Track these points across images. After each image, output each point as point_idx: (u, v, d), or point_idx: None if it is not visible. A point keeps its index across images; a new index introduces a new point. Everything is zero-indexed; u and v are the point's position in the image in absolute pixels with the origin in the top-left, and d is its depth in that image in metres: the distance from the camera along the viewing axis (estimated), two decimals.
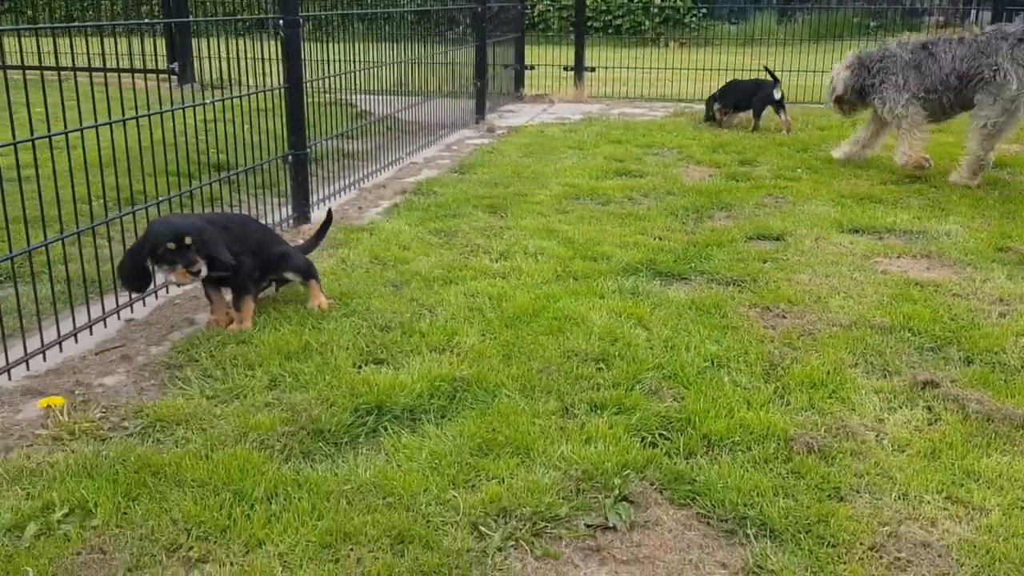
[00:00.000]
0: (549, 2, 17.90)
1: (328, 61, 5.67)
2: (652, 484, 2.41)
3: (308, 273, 3.57)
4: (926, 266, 4.16)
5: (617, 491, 2.35)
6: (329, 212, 4.00)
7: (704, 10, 17.83)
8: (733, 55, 10.79)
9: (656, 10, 17.94)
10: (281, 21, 4.55)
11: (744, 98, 7.75)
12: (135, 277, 3.12)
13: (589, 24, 16.89)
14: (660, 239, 4.55)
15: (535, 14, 17.55)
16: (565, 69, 10.52)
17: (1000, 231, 4.60)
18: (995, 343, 3.24)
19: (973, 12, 17.85)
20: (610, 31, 17.28)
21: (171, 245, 3.05)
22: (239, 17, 5.16)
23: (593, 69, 10.57)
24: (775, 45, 12.04)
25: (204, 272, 3.13)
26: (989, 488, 2.37)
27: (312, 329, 3.29)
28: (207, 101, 4.07)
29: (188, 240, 3.07)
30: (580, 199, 5.40)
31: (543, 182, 5.75)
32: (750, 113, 7.76)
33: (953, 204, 5.17)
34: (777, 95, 7.53)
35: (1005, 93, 5.38)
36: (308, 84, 4.88)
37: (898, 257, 4.27)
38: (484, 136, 7.64)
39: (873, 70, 6.02)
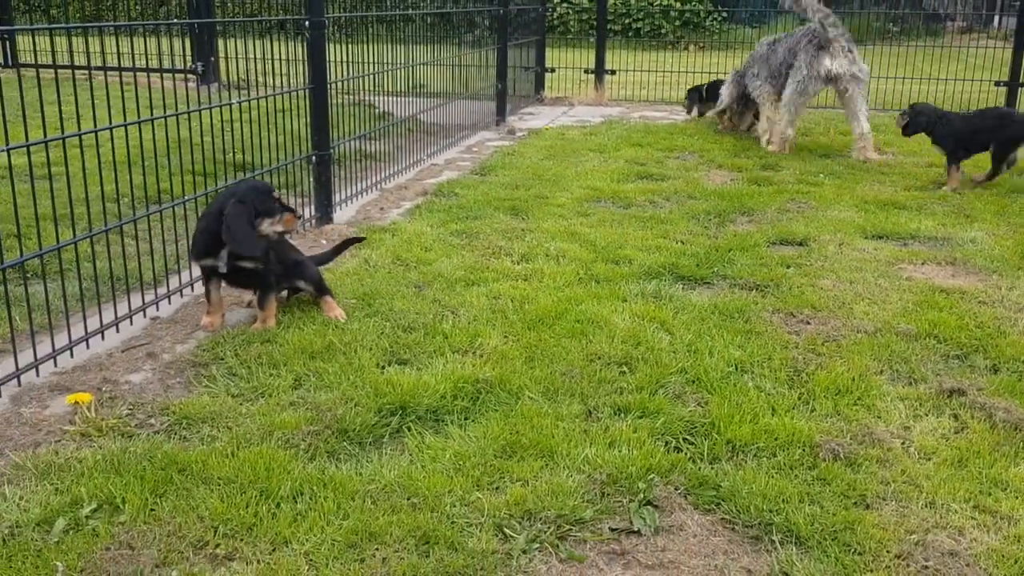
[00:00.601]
0: (568, 5, 17.90)
1: (350, 62, 5.69)
2: (677, 489, 2.40)
3: (321, 287, 3.52)
4: (951, 273, 4.13)
5: (642, 495, 2.34)
6: (351, 240, 4.00)
7: (724, 14, 17.79)
8: None
9: (676, 13, 17.91)
10: (307, 22, 4.57)
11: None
12: (252, 238, 3.18)
13: (608, 27, 16.89)
14: (682, 243, 4.54)
15: (555, 16, 17.56)
16: (585, 72, 10.51)
17: None
18: (1022, 351, 3.21)
19: (996, 18, 17.72)
20: (629, 34, 17.27)
21: (276, 194, 3.28)
22: (266, 18, 5.19)
23: (613, 72, 10.57)
24: None
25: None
26: (1018, 498, 2.35)
27: (336, 329, 3.31)
28: (232, 102, 4.10)
29: (275, 194, 3.31)
30: (601, 202, 5.39)
31: (564, 185, 5.75)
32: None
33: (978, 211, 5.13)
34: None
35: (798, 76, 6.73)
36: (332, 85, 4.90)
37: (923, 264, 4.24)
38: (505, 138, 7.65)
39: (745, 73, 7.48)
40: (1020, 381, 3.00)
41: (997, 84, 9.12)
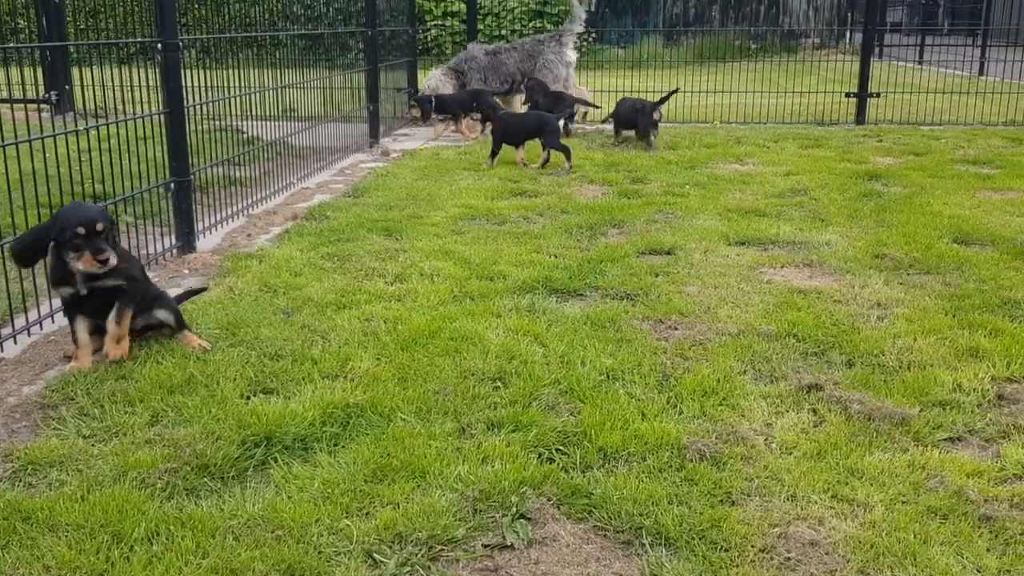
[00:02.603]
0: (442, 27, 17.98)
1: (217, 87, 5.53)
2: (549, 500, 2.40)
3: (180, 321, 3.37)
4: (808, 275, 4.31)
5: (514, 509, 2.33)
6: (191, 292, 3.82)
7: (594, 35, 18.24)
8: (622, 78, 11.06)
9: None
10: (160, 44, 4.40)
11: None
12: (30, 251, 3.03)
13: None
14: (555, 257, 4.59)
15: (428, 39, 17.60)
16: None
17: (876, 239, 4.82)
18: (874, 346, 3.37)
19: (848, 34, 18.83)
20: None
21: (80, 231, 2.98)
22: (115, 41, 4.98)
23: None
24: (663, 68, 12.39)
25: (113, 262, 3.00)
26: (872, 485, 2.45)
27: (197, 361, 3.17)
28: (79, 128, 3.90)
29: (100, 227, 3.01)
30: (476, 220, 5.40)
31: (439, 204, 5.74)
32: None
33: (832, 215, 5.39)
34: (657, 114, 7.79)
35: (559, 73, 8.80)
36: (191, 109, 4.74)
37: (782, 267, 4.42)
38: (378, 160, 7.58)
39: (464, 74, 8.93)
40: (873, 374, 3.14)
41: (847, 95, 9.66)
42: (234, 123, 5.85)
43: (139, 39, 5.07)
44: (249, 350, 3.29)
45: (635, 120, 7.83)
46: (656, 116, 7.77)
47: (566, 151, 6.93)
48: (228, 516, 2.26)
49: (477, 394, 2.97)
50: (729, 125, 9.40)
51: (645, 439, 2.67)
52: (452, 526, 2.24)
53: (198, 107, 5.12)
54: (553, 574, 2.13)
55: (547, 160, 7.00)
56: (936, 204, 5.57)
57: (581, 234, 5.05)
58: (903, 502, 2.37)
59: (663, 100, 7.82)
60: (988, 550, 2.18)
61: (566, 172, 6.79)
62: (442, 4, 17.85)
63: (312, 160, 6.93)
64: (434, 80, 9.24)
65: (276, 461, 2.55)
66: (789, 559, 2.14)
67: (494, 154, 7.09)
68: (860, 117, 9.47)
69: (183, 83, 4.55)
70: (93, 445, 2.63)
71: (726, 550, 2.17)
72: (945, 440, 2.71)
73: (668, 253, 4.67)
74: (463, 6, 10.69)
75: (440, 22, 17.71)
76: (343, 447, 2.63)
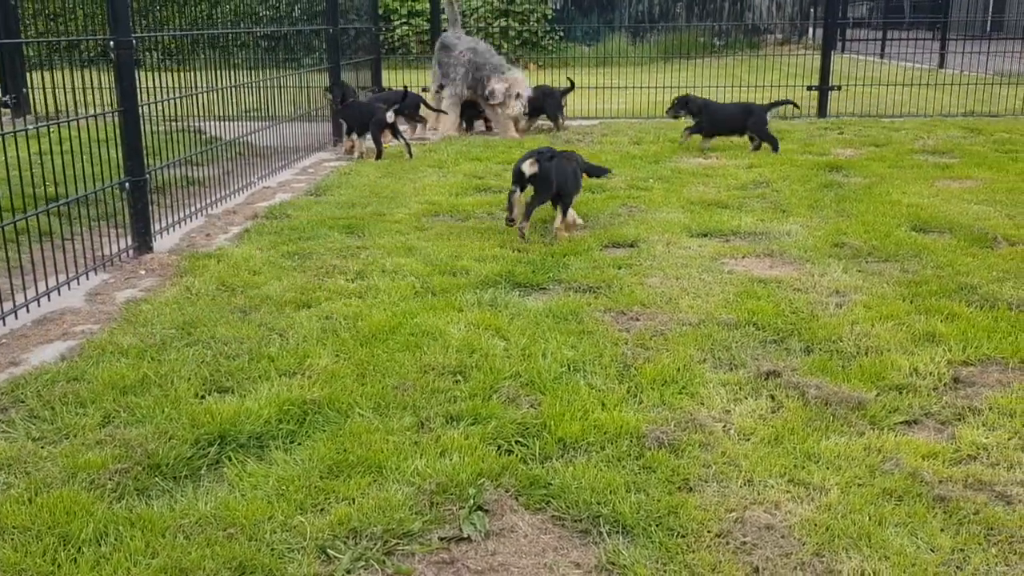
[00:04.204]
0: (409, 27, 17.92)
1: (181, 89, 5.46)
2: (507, 491, 2.38)
3: None
4: (769, 264, 4.33)
5: (472, 501, 2.31)
6: None
7: (561, 33, 18.26)
8: (589, 75, 11.07)
9: (515, 33, 18.24)
10: (112, 42, 4.33)
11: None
12: None
13: None
14: (519, 251, 4.57)
15: (395, 38, 17.52)
16: (424, 90, 10.50)
17: (836, 228, 4.85)
18: (832, 332, 3.39)
19: (811, 30, 19.01)
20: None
21: None
22: (66, 39, 4.90)
23: None
24: (629, 65, 12.44)
25: None
26: (828, 468, 2.46)
27: (152, 361, 3.12)
28: (29, 128, 3.83)
29: None
30: (439, 216, 5.37)
31: (402, 201, 5.70)
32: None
33: (793, 206, 5.43)
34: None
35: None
36: (146, 109, 4.67)
37: (743, 257, 4.44)
38: (342, 158, 7.53)
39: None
40: (831, 360, 3.16)
41: (809, 88, 9.74)
42: (195, 123, 5.78)
43: (90, 37, 4.99)
44: (205, 349, 3.24)
45: (543, 104, 8.61)
46: (564, 102, 8.77)
47: (406, 144, 7.32)
48: (179, 515, 2.22)
49: (437, 388, 2.95)
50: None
51: (604, 429, 2.66)
52: (408, 520, 2.22)
53: (154, 106, 5.05)
54: (510, 565, 2.11)
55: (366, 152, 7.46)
56: (895, 193, 5.63)
57: (545, 228, 5.03)
58: (859, 485, 2.38)
59: (567, 90, 8.74)
60: (942, 530, 2.19)
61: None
62: (408, 3, 17.78)
63: (274, 159, 6.86)
64: None
65: (230, 459, 2.51)
66: (745, 543, 2.14)
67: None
68: (822, 110, 9.55)
69: (137, 82, 4.47)
70: (43, 447, 2.58)
71: (683, 536, 2.16)
72: (901, 423, 2.73)
73: (631, 246, 4.68)
74: (429, 5, 10.65)
75: (406, 21, 17.63)
76: (299, 444, 2.59)
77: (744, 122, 7.36)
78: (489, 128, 9.00)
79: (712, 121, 7.43)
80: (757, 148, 7.36)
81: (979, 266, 4.14)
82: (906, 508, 2.27)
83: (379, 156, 7.24)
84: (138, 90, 4.50)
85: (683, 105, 7.47)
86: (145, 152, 4.63)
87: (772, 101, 7.76)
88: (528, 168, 4.64)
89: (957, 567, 2.07)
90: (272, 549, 2.09)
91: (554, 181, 4.70)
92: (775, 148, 7.24)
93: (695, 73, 10.75)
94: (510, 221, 4.79)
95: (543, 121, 8.95)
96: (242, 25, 7.24)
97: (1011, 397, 2.87)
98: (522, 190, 4.78)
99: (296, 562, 2.05)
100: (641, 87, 10.05)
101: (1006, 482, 2.40)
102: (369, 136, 7.32)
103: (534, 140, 7.92)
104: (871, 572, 2.04)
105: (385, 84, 10.25)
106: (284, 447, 2.58)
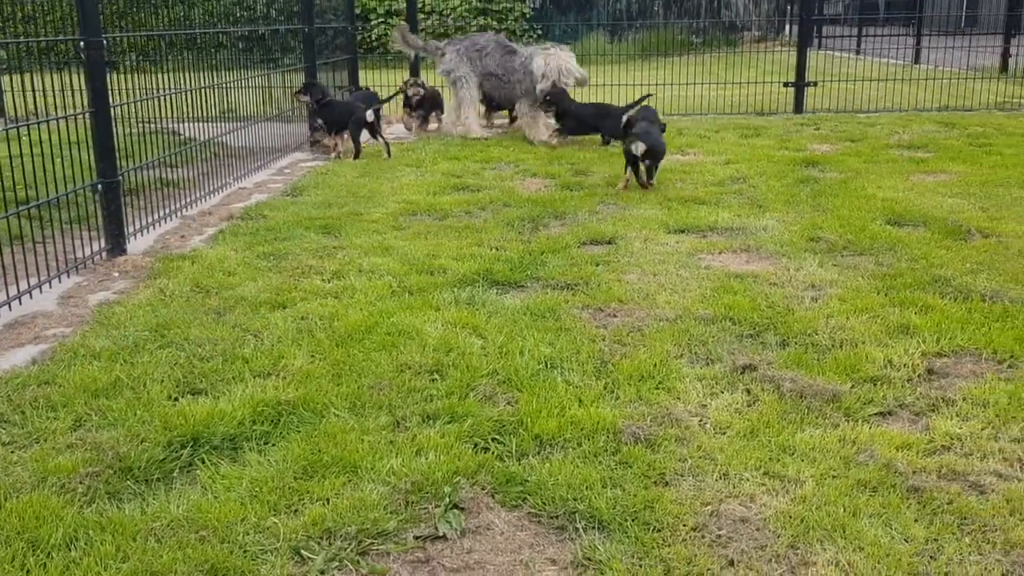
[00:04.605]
0: (387, 25, 17.86)
1: (151, 89, 5.41)
2: (484, 489, 2.38)
3: None
4: (745, 259, 4.35)
5: (448, 499, 2.30)
6: None
7: (539, 31, 18.26)
8: None
9: (493, 32, 18.23)
10: (82, 42, 4.28)
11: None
12: None
13: None
14: (497, 250, 4.56)
15: (373, 37, 17.47)
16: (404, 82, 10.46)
17: (812, 223, 4.88)
18: (808, 326, 3.41)
19: (787, 27, 19.12)
20: None
21: None
22: (35, 39, 4.84)
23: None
24: (607, 63, 12.44)
25: None
26: (803, 461, 2.47)
27: (124, 364, 3.09)
28: None
29: None
30: (417, 215, 5.35)
31: (379, 201, 5.68)
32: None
33: (770, 202, 5.45)
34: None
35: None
36: (119, 110, 4.62)
37: (720, 253, 4.45)
38: (319, 158, 7.49)
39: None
40: (806, 353, 3.17)
41: (785, 85, 9.79)
42: (170, 125, 5.73)
43: (60, 38, 4.94)
44: (178, 351, 3.21)
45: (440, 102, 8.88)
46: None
47: (385, 144, 7.32)
48: (151, 518, 2.19)
49: (413, 387, 2.94)
50: (671, 117, 9.45)
51: (581, 425, 2.66)
52: (383, 519, 2.21)
53: (127, 107, 5.00)
54: (486, 562, 2.10)
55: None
56: (870, 188, 5.66)
57: (523, 227, 5.03)
58: (833, 476, 2.39)
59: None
60: (916, 520, 2.21)
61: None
62: (385, 2, 17.72)
63: (250, 160, 6.82)
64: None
65: (203, 462, 2.48)
66: (720, 536, 2.14)
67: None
68: (798, 106, 9.61)
69: (109, 83, 4.43)
70: (12, 452, 2.54)
71: (658, 530, 2.16)
72: (875, 415, 2.74)
73: (609, 243, 4.68)
74: (406, 5, 10.61)
75: (384, 20, 17.58)
76: (273, 445, 2.57)
77: (601, 122, 7.60)
78: (513, 120, 8.66)
79: (576, 120, 7.69)
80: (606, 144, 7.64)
81: (953, 258, 4.17)
82: (880, 499, 2.28)
83: (357, 155, 7.21)
84: (110, 91, 4.45)
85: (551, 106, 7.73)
86: (118, 153, 4.59)
87: (631, 102, 7.70)
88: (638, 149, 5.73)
89: (931, 557, 2.08)
90: (245, 551, 2.07)
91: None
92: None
93: (673, 70, 10.78)
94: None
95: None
96: (218, 25, 7.18)
97: (984, 388, 2.89)
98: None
99: (269, 564, 2.03)
100: (620, 85, 10.05)
101: (979, 472, 2.41)
102: (347, 135, 7.30)
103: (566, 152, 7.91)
104: (845, 563, 2.04)
105: (363, 84, 10.22)
106: (258, 448, 2.56)
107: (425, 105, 8.76)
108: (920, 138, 7.64)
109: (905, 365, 3.06)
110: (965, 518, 2.21)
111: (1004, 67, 11.90)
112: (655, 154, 5.77)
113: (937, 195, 5.47)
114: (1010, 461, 2.47)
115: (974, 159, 6.58)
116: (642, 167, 5.84)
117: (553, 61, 7.74)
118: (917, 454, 2.50)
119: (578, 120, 7.70)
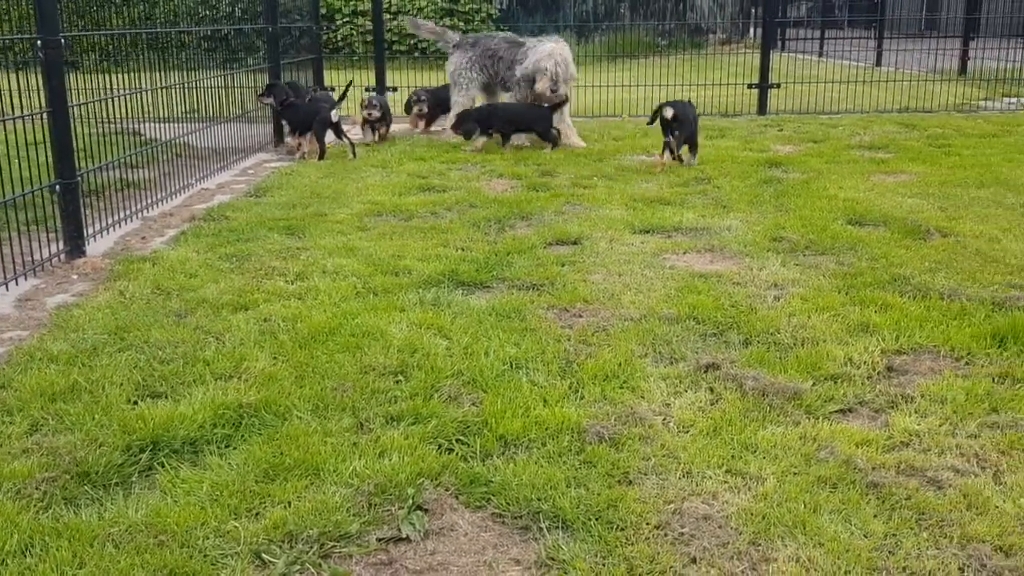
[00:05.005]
0: (353, 26, 17.77)
1: (114, 89, 5.33)
2: (448, 490, 2.37)
3: None
4: (710, 259, 4.38)
5: (411, 501, 2.29)
6: None
7: (507, 30, 18.27)
8: None
9: (460, 33, 18.21)
10: (40, 41, 4.21)
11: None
12: None
13: (393, 47, 16.90)
14: (462, 250, 4.56)
15: (339, 38, 17.36)
16: (367, 90, 10.42)
17: (775, 223, 4.93)
18: (770, 324, 3.44)
19: (752, 29, 19.32)
20: (416, 54, 17.38)
21: None
22: None
23: (395, 89, 10.55)
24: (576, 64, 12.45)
25: None
26: (765, 458, 2.49)
27: (82, 367, 3.04)
28: None
29: None
30: (382, 216, 5.33)
31: (344, 201, 5.64)
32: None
33: (734, 202, 5.50)
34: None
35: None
36: (78, 109, 4.55)
37: (684, 253, 4.48)
38: (284, 159, 7.43)
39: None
40: (768, 352, 3.20)
41: (749, 86, 9.89)
42: (132, 125, 5.65)
43: (16, 36, 4.85)
44: (138, 354, 3.16)
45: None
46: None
47: (350, 144, 7.28)
48: (108, 524, 2.16)
49: (377, 389, 2.92)
50: (637, 118, 9.51)
51: (546, 425, 2.66)
52: (345, 521, 2.19)
53: (88, 107, 4.92)
54: (449, 564, 2.10)
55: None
56: (832, 188, 5.73)
57: (489, 227, 5.03)
58: (794, 473, 2.41)
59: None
60: (875, 516, 2.23)
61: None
62: (351, 2, 17.63)
63: (213, 160, 6.74)
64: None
65: (163, 465, 2.45)
66: (683, 534, 2.15)
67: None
68: (762, 108, 9.71)
69: (67, 82, 4.36)
70: None
71: (622, 529, 2.17)
72: (836, 412, 2.77)
73: (575, 243, 4.69)
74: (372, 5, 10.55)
75: (350, 20, 17.49)
76: (235, 448, 2.55)
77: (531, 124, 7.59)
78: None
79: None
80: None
81: (912, 257, 4.24)
82: (840, 495, 2.31)
83: (322, 156, 7.16)
84: (69, 91, 4.38)
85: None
86: (77, 154, 4.51)
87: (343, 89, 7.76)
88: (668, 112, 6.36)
89: (889, 552, 2.10)
90: (205, 555, 2.05)
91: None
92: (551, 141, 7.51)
93: (639, 72, 10.84)
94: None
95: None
96: (182, 24, 7.11)
97: (942, 384, 2.93)
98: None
99: (229, 568, 2.01)
100: (587, 86, 10.09)
101: (937, 467, 2.45)
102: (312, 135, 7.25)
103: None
104: (806, 559, 2.06)
105: (329, 84, 10.15)
106: (219, 452, 2.53)
107: (386, 120, 8.56)
108: (881, 139, 7.76)
109: (865, 363, 3.10)
110: (923, 513, 2.24)
111: (963, 70, 12.12)
112: (684, 122, 6.42)
113: (897, 195, 5.55)
114: (967, 456, 2.51)
115: (933, 160, 6.69)
116: (673, 140, 6.47)
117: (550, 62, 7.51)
118: (876, 450, 2.54)
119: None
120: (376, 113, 8.05)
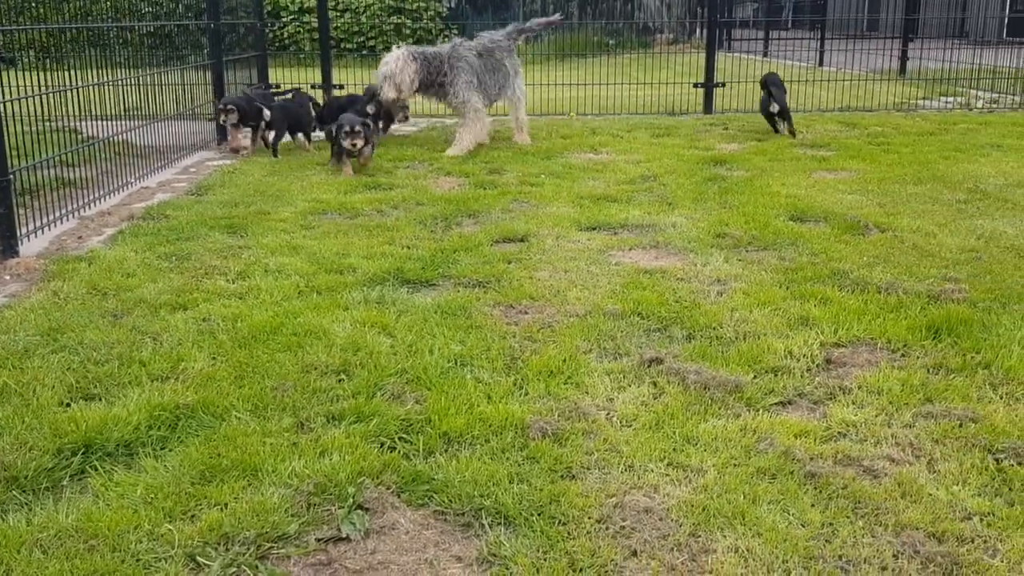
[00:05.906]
0: (300, 24, 17.57)
1: (51, 87, 5.19)
2: (389, 488, 2.34)
3: None
4: (655, 256, 4.41)
5: (351, 500, 2.26)
6: None
7: (455, 31, 18.22)
8: None
9: (408, 31, 18.11)
10: None
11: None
12: None
13: (342, 45, 16.75)
14: (408, 248, 4.52)
15: (285, 35, 17.15)
16: (313, 88, 10.30)
17: (719, 220, 4.98)
18: (713, 319, 3.48)
19: (698, 30, 19.55)
20: (364, 52, 17.24)
21: None
22: None
23: (342, 87, 10.45)
24: (524, 63, 12.48)
25: None
26: (706, 451, 2.51)
27: (12, 369, 2.95)
28: None
29: None
30: (327, 214, 5.27)
31: (288, 200, 5.57)
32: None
33: (679, 199, 5.55)
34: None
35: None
36: (9, 106, 4.41)
37: (630, 249, 4.51)
38: (227, 156, 7.31)
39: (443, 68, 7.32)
40: (711, 346, 3.24)
41: (695, 85, 10.00)
42: (71, 122, 5.50)
43: None
44: (72, 355, 3.08)
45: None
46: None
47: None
48: (37, 529, 2.10)
49: (318, 388, 2.89)
50: (585, 117, 9.57)
51: (490, 421, 2.65)
52: (283, 522, 2.15)
53: (21, 104, 4.78)
54: (390, 562, 2.07)
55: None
56: (775, 185, 5.82)
57: (435, 225, 5.00)
58: (734, 465, 2.43)
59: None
60: (812, 505, 2.26)
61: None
62: (298, 0, 17.43)
63: (154, 158, 6.60)
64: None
65: (96, 469, 2.39)
66: (624, 527, 2.16)
67: None
68: (708, 107, 9.82)
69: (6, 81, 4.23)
70: None
71: (564, 523, 2.17)
72: (776, 404, 2.81)
73: (521, 240, 4.69)
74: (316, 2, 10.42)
75: (296, 18, 17.29)
76: (171, 450, 2.49)
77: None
78: None
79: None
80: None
81: (851, 252, 4.32)
82: (779, 486, 2.34)
83: (275, 154, 7.07)
84: (1, 87, 4.25)
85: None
86: (9, 151, 4.38)
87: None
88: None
89: (826, 540, 2.13)
90: (137, 559, 2.00)
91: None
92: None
93: (588, 71, 10.89)
94: None
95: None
96: (122, 20, 6.94)
97: (879, 376, 2.99)
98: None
99: (163, 571, 1.96)
100: (536, 85, 10.10)
101: (873, 457, 2.50)
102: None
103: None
104: (744, 549, 2.08)
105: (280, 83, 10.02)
106: (154, 454, 2.47)
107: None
108: (823, 137, 7.90)
109: (805, 356, 3.14)
110: (859, 502, 2.28)
111: (902, 69, 12.40)
112: (785, 108, 7.97)
113: (838, 192, 5.66)
114: (902, 446, 2.56)
115: (873, 157, 6.83)
116: (781, 124, 7.96)
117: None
118: (814, 441, 2.57)
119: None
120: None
